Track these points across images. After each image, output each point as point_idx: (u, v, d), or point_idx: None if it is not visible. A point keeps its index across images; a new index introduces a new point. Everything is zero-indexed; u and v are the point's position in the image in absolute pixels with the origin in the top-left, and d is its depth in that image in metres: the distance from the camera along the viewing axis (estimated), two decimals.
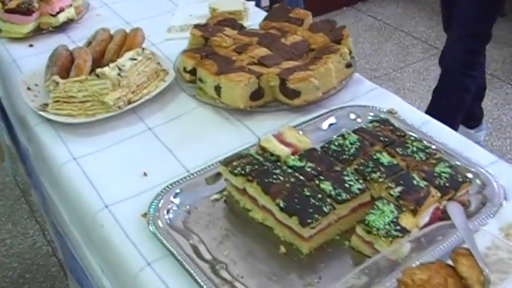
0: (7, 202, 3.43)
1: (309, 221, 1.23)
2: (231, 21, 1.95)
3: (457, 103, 3.06)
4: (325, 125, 1.61)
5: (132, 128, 1.67)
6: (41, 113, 1.68)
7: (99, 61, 1.83)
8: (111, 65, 1.70)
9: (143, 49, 1.78)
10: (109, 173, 1.52)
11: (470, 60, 3.02)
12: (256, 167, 1.36)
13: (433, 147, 1.45)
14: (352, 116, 1.63)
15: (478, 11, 2.84)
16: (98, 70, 1.66)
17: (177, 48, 1.95)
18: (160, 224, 1.32)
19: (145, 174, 1.49)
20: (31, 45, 2.14)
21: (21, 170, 2.61)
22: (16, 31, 2.15)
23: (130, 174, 1.50)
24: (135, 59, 1.73)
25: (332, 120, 1.62)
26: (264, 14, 2.20)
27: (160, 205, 1.36)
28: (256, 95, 1.67)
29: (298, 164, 1.37)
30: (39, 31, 2.18)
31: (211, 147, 1.56)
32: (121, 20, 2.25)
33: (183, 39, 2.02)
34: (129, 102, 1.68)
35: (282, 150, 1.40)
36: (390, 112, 1.63)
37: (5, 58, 2.10)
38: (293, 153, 1.40)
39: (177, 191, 1.40)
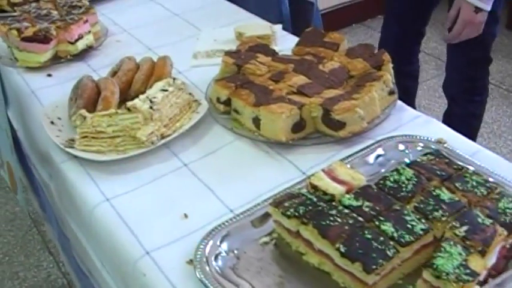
0: (18, 233, 3.33)
1: (374, 267, 1.14)
2: (263, 47, 1.86)
3: (465, 129, 2.94)
4: (372, 158, 1.53)
5: (166, 165, 1.57)
6: (68, 150, 1.59)
7: (125, 92, 1.74)
8: (142, 96, 1.61)
9: (174, 79, 1.69)
10: (146, 215, 1.42)
11: (472, 87, 2.88)
12: (310, 207, 1.27)
13: (491, 180, 1.36)
14: (401, 147, 1.54)
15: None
16: (129, 103, 1.57)
17: (205, 75, 1.88)
18: (209, 271, 1.23)
19: (185, 216, 1.40)
20: (49, 75, 2.05)
21: (34, 202, 2.52)
22: (33, 60, 2.06)
23: (169, 215, 1.41)
24: (166, 90, 1.64)
25: (380, 151, 1.53)
26: (291, 37, 2.13)
27: (206, 250, 1.27)
28: (298, 126, 1.58)
29: (355, 203, 1.28)
30: (57, 59, 2.09)
31: (253, 183, 1.47)
32: (142, 46, 2.17)
33: (211, 65, 1.95)
34: (162, 137, 1.59)
35: (336, 189, 1.31)
36: (439, 142, 1.54)
37: (22, 89, 2.01)
38: (347, 192, 1.31)
39: (224, 234, 1.31)
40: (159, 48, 2.11)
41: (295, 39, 2.09)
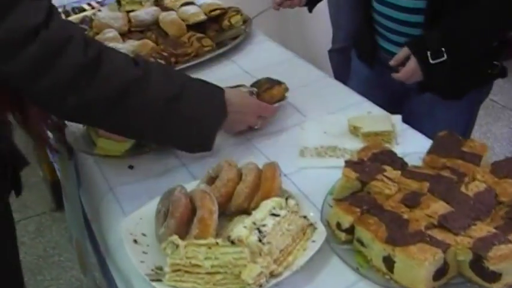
0: None
1: None
2: (389, 155, 1.58)
3: None
4: None
5: None
6: (156, 284, 1.32)
7: (224, 206, 1.48)
8: (248, 222, 1.34)
9: (287, 199, 1.41)
10: None
11: None
12: None
13: None
14: None
15: None
16: (233, 235, 1.30)
17: (317, 182, 1.62)
18: None
19: None
20: (131, 167, 1.80)
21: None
22: (113, 148, 1.81)
23: None
24: (277, 215, 1.36)
25: None
26: (412, 131, 1.86)
27: None
28: (440, 272, 1.29)
29: None
30: (139, 149, 1.83)
31: None
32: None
33: (322, 168, 1.70)
34: (271, 275, 1.30)
35: None
36: None
37: (99, 183, 1.77)
38: None
39: None
40: (257, 138, 1.84)
41: (416, 134, 1.85)
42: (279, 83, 1.97)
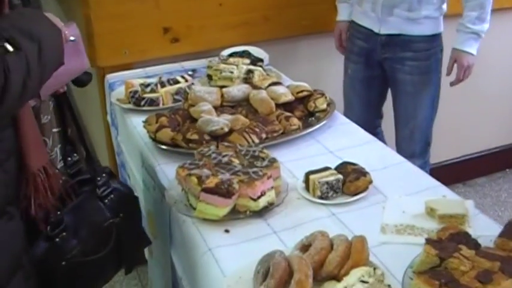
0: None
1: None
2: (464, 236, 1.79)
3: None
4: None
5: None
6: None
7: (316, 272, 1.70)
8: (340, 286, 1.57)
9: (375, 269, 1.64)
10: None
11: None
12: None
13: None
14: None
15: None
16: None
17: (397, 257, 1.82)
18: None
19: None
20: (227, 231, 2.04)
21: None
22: (211, 213, 2.05)
23: None
24: (366, 282, 1.58)
25: None
26: (482, 217, 2.08)
27: None
28: None
29: None
30: (235, 214, 2.08)
31: None
32: (325, 208, 2.13)
33: (401, 244, 1.92)
34: None
35: None
36: None
37: (197, 243, 2.01)
38: None
39: None
40: (343, 214, 2.08)
41: (487, 219, 2.06)
42: (364, 174, 2.21)
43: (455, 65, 3.49)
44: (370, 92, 3.75)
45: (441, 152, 4.43)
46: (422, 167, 3.03)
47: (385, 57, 3.56)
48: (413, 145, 3.70)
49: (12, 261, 1.79)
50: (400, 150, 3.58)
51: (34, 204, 1.88)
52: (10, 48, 1.58)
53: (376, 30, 3.51)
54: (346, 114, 3.20)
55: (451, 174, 4.47)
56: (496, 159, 5.06)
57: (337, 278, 1.69)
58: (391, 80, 3.64)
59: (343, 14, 3.78)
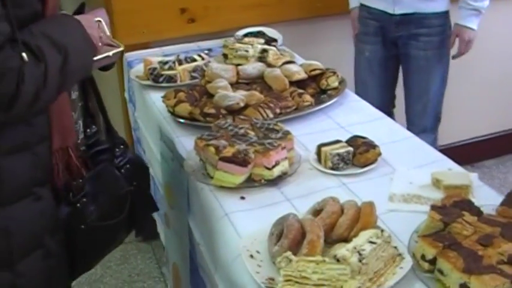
0: None
1: None
2: (468, 203, 1.90)
3: None
4: None
5: None
6: None
7: (327, 234, 1.82)
8: (349, 246, 1.68)
9: (382, 230, 1.75)
10: None
11: None
12: None
13: None
14: None
15: None
16: (339, 254, 1.64)
17: (403, 223, 1.94)
18: None
19: None
20: (242, 198, 2.15)
21: None
22: (228, 181, 2.16)
23: None
24: (374, 243, 1.70)
25: None
26: (487, 188, 2.19)
27: None
28: None
29: None
30: (251, 183, 2.19)
31: None
32: (335, 178, 2.25)
33: (408, 212, 2.03)
34: None
35: None
36: None
37: (215, 209, 2.12)
38: None
39: None
40: (352, 184, 2.19)
41: (490, 190, 2.18)
42: (373, 147, 2.33)
43: (457, 40, 3.69)
44: (387, 72, 3.88)
45: (450, 134, 4.54)
46: (432, 143, 3.15)
47: (399, 35, 3.68)
48: (425, 120, 3.83)
49: (29, 241, 1.87)
50: (411, 126, 3.73)
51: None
52: (26, 58, 1.61)
53: (390, 11, 3.62)
54: (358, 95, 3.30)
55: (459, 156, 4.51)
56: (504, 142, 5.16)
57: (347, 240, 1.80)
58: (404, 57, 3.76)
59: (353, 2, 3.90)
